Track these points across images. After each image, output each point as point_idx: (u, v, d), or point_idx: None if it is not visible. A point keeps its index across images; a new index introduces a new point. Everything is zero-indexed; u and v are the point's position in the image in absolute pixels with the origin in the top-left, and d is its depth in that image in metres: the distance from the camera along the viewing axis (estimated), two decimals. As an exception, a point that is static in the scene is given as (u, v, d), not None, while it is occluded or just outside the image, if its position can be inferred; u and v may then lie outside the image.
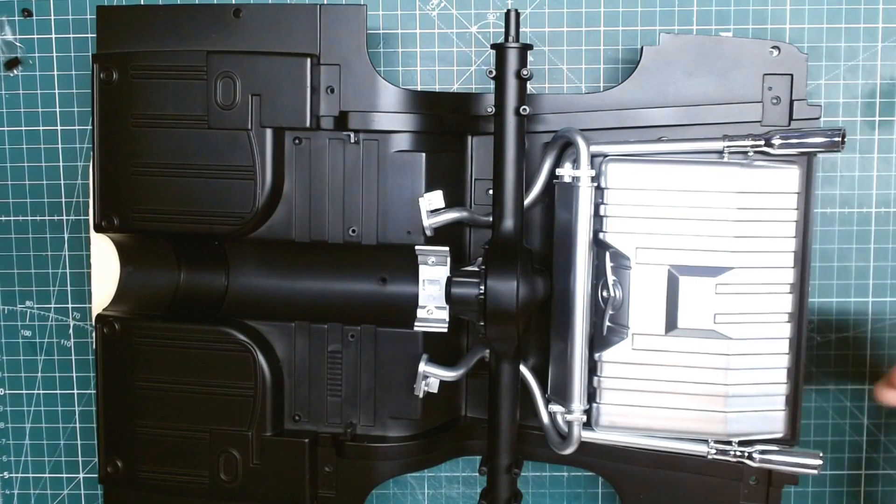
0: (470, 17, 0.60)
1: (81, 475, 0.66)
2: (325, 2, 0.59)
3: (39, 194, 0.63)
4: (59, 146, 0.63)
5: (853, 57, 0.60)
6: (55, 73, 0.62)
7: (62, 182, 0.63)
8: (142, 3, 0.61)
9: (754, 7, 0.59)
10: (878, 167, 0.61)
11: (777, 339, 0.53)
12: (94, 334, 0.58)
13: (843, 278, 0.61)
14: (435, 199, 0.54)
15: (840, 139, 0.52)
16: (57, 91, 0.63)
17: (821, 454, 0.53)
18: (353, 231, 0.56)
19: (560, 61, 0.60)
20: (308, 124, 0.54)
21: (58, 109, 0.63)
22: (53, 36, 0.62)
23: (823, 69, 0.60)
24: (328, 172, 0.56)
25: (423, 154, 0.55)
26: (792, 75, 0.54)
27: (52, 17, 0.62)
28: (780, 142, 0.52)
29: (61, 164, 0.63)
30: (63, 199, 0.63)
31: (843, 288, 0.61)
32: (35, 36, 0.62)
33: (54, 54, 0.62)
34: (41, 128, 0.63)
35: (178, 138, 0.55)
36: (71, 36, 0.62)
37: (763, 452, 0.53)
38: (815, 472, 0.53)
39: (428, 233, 0.54)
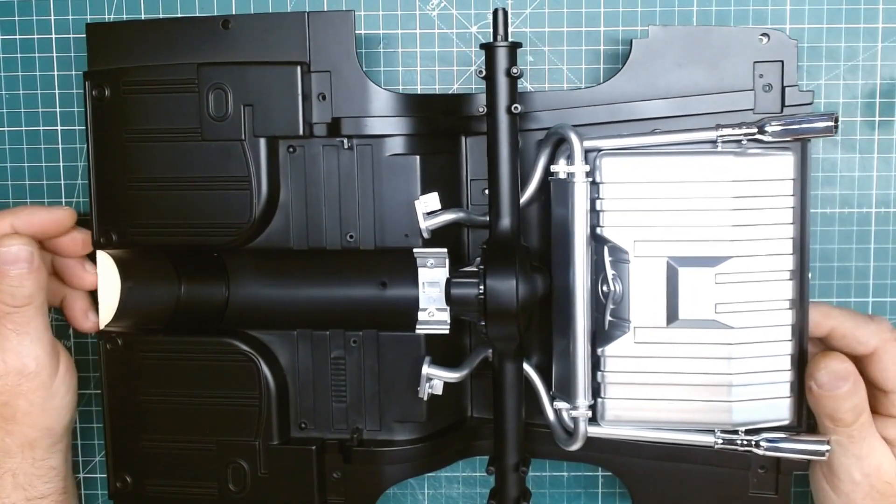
0: (470, 17, 0.61)
1: (82, 475, 0.66)
2: (326, 9, 0.59)
3: (39, 194, 0.64)
4: (59, 146, 0.63)
5: (853, 57, 0.60)
6: (55, 73, 0.62)
7: (62, 182, 0.63)
8: (143, 17, 0.61)
9: (754, 7, 0.59)
10: (878, 167, 0.60)
11: (779, 326, 0.53)
12: (97, 350, 0.58)
13: (843, 278, 0.61)
14: (431, 201, 0.54)
15: (833, 123, 0.51)
16: (57, 91, 0.63)
17: (828, 439, 0.53)
18: (351, 237, 0.56)
19: (560, 61, 0.60)
20: (301, 132, 0.54)
21: (58, 109, 0.63)
22: (53, 36, 0.62)
23: (823, 69, 0.60)
24: (323, 179, 0.56)
25: (418, 157, 0.55)
26: (782, 62, 0.54)
27: (52, 18, 0.62)
28: (773, 129, 0.52)
29: (61, 164, 0.63)
30: (63, 199, 0.63)
31: (843, 288, 0.61)
32: (35, 36, 0.62)
33: (54, 54, 0.62)
34: (41, 128, 0.63)
35: (172, 152, 0.55)
36: (71, 36, 0.62)
37: (770, 440, 0.53)
38: (823, 458, 0.53)
39: (425, 235, 0.55)
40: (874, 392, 0.54)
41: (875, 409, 0.54)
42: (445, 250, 0.54)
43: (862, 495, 0.53)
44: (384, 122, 0.55)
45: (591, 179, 0.52)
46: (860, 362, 0.54)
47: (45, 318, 0.55)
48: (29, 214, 0.55)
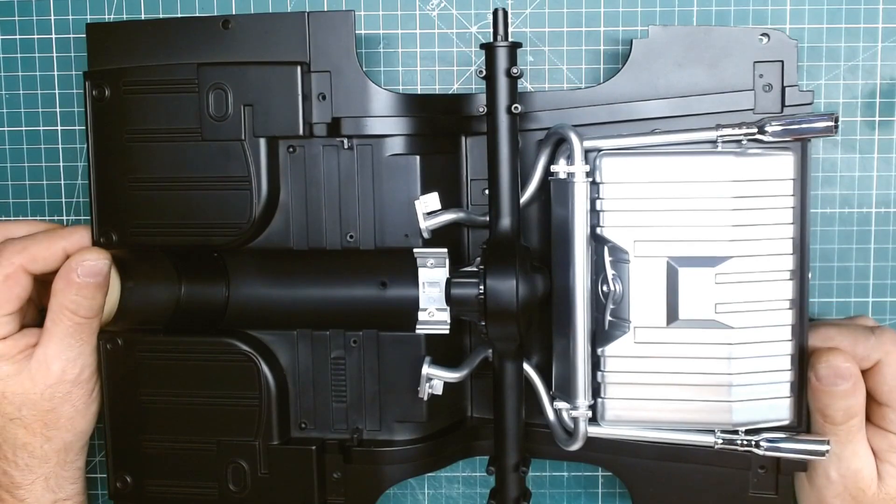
0: (470, 17, 0.61)
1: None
2: (326, 9, 0.59)
3: (39, 194, 0.64)
4: (59, 146, 0.63)
5: (853, 57, 0.60)
6: (55, 73, 0.63)
7: (62, 182, 0.63)
8: (143, 17, 0.61)
9: (754, 7, 0.59)
10: (878, 167, 0.60)
11: (779, 326, 0.53)
12: (98, 350, 0.58)
13: (843, 278, 0.61)
14: (431, 201, 0.54)
15: (833, 123, 0.51)
16: (57, 91, 0.63)
17: (829, 440, 0.53)
18: (351, 237, 0.56)
19: (560, 61, 0.60)
20: (301, 132, 0.54)
21: (58, 109, 0.63)
22: (53, 36, 0.62)
23: (823, 69, 0.60)
24: (323, 179, 0.56)
25: (418, 157, 0.55)
26: (782, 62, 0.54)
27: (52, 18, 0.62)
28: (773, 128, 0.52)
29: (61, 164, 0.63)
30: (63, 199, 0.64)
31: (843, 288, 0.61)
32: (35, 36, 0.62)
33: (54, 54, 0.62)
34: (41, 128, 0.63)
35: (172, 152, 0.55)
36: (71, 36, 0.62)
37: (770, 440, 0.53)
38: (823, 458, 0.53)
39: (425, 235, 0.55)
40: (872, 402, 0.54)
41: (870, 419, 0.54)
42: (445, 250, 0.54)
43: (833, 494, 0.54)
44: (384, 122, 0.55)
45: (591, 179, 0.52)
46: (864, 373, 0.54)
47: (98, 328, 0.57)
48: (80, 238, 0.56)
